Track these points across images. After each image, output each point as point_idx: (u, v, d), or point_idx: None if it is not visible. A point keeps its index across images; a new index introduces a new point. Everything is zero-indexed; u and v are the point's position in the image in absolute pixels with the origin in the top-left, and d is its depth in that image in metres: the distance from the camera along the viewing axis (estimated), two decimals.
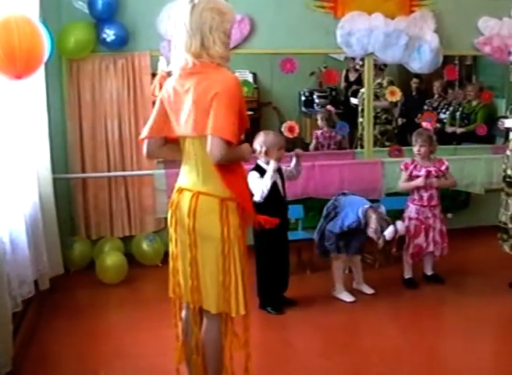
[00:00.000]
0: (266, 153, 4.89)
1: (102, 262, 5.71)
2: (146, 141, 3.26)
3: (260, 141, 4.92)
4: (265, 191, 4.78)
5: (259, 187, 4.77)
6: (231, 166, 3.10)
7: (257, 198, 4.69)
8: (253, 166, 4.95)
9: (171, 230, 3.25)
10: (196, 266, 3.14)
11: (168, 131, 3.18)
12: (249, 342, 3.36)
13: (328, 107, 7.86)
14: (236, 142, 2.99)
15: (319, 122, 7.51)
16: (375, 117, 7.33)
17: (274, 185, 4.91)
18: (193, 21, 2.99)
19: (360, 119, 7.35)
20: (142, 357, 4.22)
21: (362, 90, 7.36)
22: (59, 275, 5.36)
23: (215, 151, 2.92)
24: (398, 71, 7.77)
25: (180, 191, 3.19)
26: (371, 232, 5.01)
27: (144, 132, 3.25)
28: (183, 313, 3.36)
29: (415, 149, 5.49)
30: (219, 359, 3.32)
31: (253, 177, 4.81)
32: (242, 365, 3.37)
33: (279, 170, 5.02)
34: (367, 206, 5.06)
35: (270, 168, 4.82)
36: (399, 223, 5.09)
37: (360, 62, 7.37)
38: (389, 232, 4.94)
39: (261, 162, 4.95)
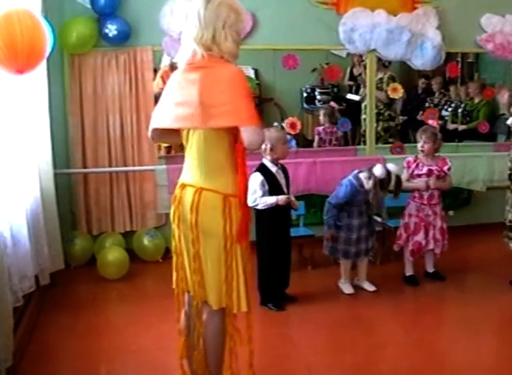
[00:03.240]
0: (272, 149, 4.88)
1: (103, 257, 5.71)
2: (151, 129, 3.28)
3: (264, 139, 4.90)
4: (259, 206, 4.82)
5: (255, 196, 4.79)
6: (235, 164, 3.12)
7: (249, 203, 4.66)
8: (257, 166, 4.95)
9: (174, 226, 3.24)
10: (199, 261, 3.14)
11: (171, 123, 3.16)
12: (252, 338, 3.36)
13: (332, 104, 7.85)
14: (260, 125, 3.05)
15: (321, 117, 7.51)
16: (378, 114, 7.33)
17: (277, 184, 4.93)
18: (208, 14, 3.00)
19: (363, 116, 7.34)
20: (143, 352, 4.22)
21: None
22: (60, 270, 5.36)
23: (253, 139, 2.96)
24: (400, 68, 7.75)
25: (183, 186, 3.18)
26: (365, 183, 5.08)
27: (152, 122, 3.25)
28: (186, 308, 3.36)
29: (419, 145, 5.47)
30: (220, 354, 3.32)
31: (255, 181, 4.80)
32: (245, 361, 3.37)
33: (283, 169, 5.03)
34: (357, 171, 5.19)
35: (278, 201, 4.86)
36: (389, 165, 5.15)
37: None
38: (377, 169, 5.02)
39: (267, 161, 4.94)
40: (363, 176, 5.12)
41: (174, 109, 3.11)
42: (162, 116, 3.18)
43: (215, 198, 3.09)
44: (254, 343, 3.37)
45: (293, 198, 5.08)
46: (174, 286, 3.34)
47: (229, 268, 3.13)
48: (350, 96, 7.83)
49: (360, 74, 8.06)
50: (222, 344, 3.32)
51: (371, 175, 5.05)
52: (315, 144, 7.45)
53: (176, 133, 3.27)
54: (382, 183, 5.05)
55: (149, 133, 3.33)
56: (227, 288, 3.15)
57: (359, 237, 5.26)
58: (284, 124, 6.48)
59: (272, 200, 4.84)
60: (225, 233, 3.09)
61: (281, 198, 4.86)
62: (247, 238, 3.23)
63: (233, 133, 3.04)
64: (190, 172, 3.18)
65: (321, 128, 7.46)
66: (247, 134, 2.95)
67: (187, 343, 3.38)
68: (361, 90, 7.77)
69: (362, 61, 7.83)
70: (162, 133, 3.30)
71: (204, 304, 3.23)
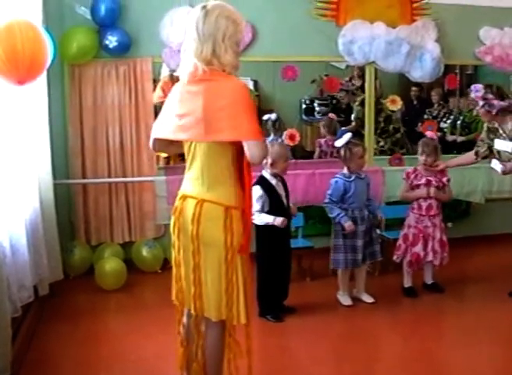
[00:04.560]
0: (272, 165, 4.89)
1: (102, 267, 5.70)
2: (152, 139, 3.30)
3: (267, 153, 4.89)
4: (255, 221, 4.83)
5: (253, 210, 4.77)
6: (241, 174, 3.14)
7: None
8: (257, 179, 4.93)
9: (174, 237, 3.23)
10: (199, 272, 3.13)
11: (172, 135, 3.17)
12: (251, 350, 3.35)
13: (330, 115, 7.85)
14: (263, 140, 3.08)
15: (321, 130, 7.51)
16: (384, 132, 7.35)
17: (276, 196, 4.94)
18: (207, 27, 2.99)
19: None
20: (142, 361, 4.21)
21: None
22: (59, 280, 5.35)
23: (256, 153, 2.98)
24: (398, 80, 7.77)
25: (184, 198, 3.18)
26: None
27: (153, 132, 3.28)
28: (185, 320, 3.35)
29: (422, 158, 5.46)
30: (219, 366, 3.32)
31: (254, 194, 4.78)
32: (245, 373, 3.36)
33: (282, 181, 5.03)
34: None
35: (274, 221, 4.85)
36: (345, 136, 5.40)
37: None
38: (339, 142, 5.37)
39: (267, 174, 4.95)
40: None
41: (176, 121, 3.11)
42: (164, 127, 3.19)
43: (217, 210, 3.09)
44: (253, 354, 3.36)
45: (291, 204, 5.10)
46: (173, 298, 3.33)
47: (229, 280, 3.12)
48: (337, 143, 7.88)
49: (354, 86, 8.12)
50: (222, 356, 3.31)
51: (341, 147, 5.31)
52: (316, 155, 7.46)
53: (177, 143, 3.27)
54: (351, 143, 5.30)
55: (150, 143, 3.34)
56: (227, 300, 3.14)
57: (365, 243, 5.27)
58: (283, 136, 6.51)
59: (268, 219, 4.85)
60: (226, 245, 3.09)
61: (278, 220, 4.85)
62: (248, 250, 3.24)
63: (237, 145, 3.04)
64: (192, 183, 3.18)
65: (322, 140, 7.46)
66: (249, 149, 2.97)
67: (186, 354, 3.38)
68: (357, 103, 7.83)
69: (350, 80, 7.93)
70: (163, 144, 3.31)
71: (203, 316, 3.23)
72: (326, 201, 5.27)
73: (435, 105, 8.37)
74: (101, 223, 6.20)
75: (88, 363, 4.25)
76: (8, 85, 4.08)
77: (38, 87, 4.93)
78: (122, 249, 6.19)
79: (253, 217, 4.75)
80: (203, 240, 3.10)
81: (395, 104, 6.98)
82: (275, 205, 4.89)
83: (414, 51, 6.58)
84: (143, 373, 4.06)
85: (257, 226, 4.90)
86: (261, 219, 4.84)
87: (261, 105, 7.94)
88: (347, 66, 7.58)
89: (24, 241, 4.23)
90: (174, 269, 3.28)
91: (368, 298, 5.41)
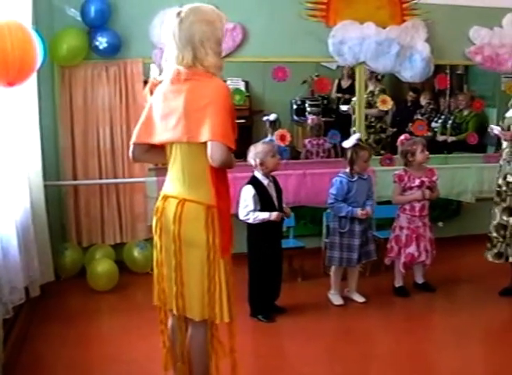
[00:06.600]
0: (262, 164, 4.89)
1: (93, 269, 5.70)
2: (132, 146, 3.28)
3: (252, 155, 4.92)
4: (250, 220, 4.86)
5: (247, 209, 4.83)
6: (219, 175, 3.13)
7: (240, 216, 4.81)
8: (249, 179, 4.96)
9: (156, 238, 3.25)
10: (180, 272, 3.14)
11: (154, 137, 3.18)
12: (235, 349, 3.36)
13: (311, 117, 7.84)
14: (234, 148, 3.02)
15: (308, 130, 7.58)
16: (370, 126, 7.36)
17: (268, 196, 4.95)
18: (183, 35, 3.01)
19: (353, 128, 7.36)
20: (134, 363, 4.21)
21: (354, 99, 7.42)
22: (50, 282, 5.34)
23: (216, 155, 2.94)
24: (389, 80, 7.79)
25: (165, 198, 3.20)
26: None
27: (133, 137, 3.26)
28: (169, 320, 3.36)
29: (422, 156, 5.44)
30: (205, 366, 3.32)
31: (247, 194, 4.82)
32: (229, 372, 3.37)
33: (274, 182, 5.04)
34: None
35: (270, 217, 4.86)
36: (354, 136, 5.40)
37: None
38: (347, 143, 5.31)
39: (258, 174, 4.95)
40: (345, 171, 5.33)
41: (158, 123, 3.14)
42: (145, 132, 3.20)
43: (198, 209, 3.10)
44: (237, 353, 3.36)
45: (284, 205, 5.11)
46: (155, 300, 3.33)
47: (211, 279, 3.13)
48: (343, 107, 7.86)
49: (347, 88, 8.11)
50: (207, 356, 3.31)
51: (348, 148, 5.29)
52: (302, 156, 7.49)
53: (156, 150, 3.28)
54: (359, 146, 5.28)
55: (130, 151, 3.31)
56: (210, 299, 3.15)
57: (361, 242, 5.28)
58: (274, 136, 6.53)
59: (264, 215, 4.85)
60: (208, 245, 3.10)
61: (274, 215, 4.87)
62: (230, 250, 3.23)
63: None
64: (173, 183, 3.19)
65: (307, 140, 7.50)
66: (210, 149, 2.95)
67: (172, 354, 3.38)
68: (352, 102, 7.83)
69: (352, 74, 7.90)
70: (143, 150, 3.28)
71: (186, 316, 3.23)
72: (331, 201, 5.27)
73: (425, 105, 8.39)
74: (92, 224, 6.19)
75: (80, 365, 4.25)
76: None
77: (28, 89, 4.92)
78: (114, 250, 6.18)
79: (247, 217, 4.79)
80: (185, 239, 3.11)
81: (385, 104, 7.00)
82: (265, 205, 4.89)
83: (404, 51, 6.60)
84: (134, 374, 4.07)
85: (249, 226, 4.91)
86: (257, 217, 4.84)
87: (252, 106, 7.94)
88: (338, 67, 7.60)
89: (15, 242, 4.21)
90: (156, 270, 3.28)
91: (359, 298, 5.42)
